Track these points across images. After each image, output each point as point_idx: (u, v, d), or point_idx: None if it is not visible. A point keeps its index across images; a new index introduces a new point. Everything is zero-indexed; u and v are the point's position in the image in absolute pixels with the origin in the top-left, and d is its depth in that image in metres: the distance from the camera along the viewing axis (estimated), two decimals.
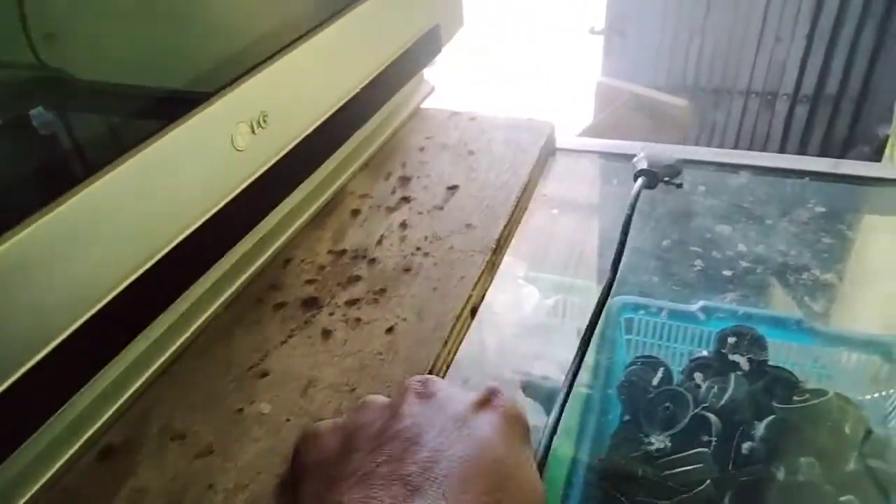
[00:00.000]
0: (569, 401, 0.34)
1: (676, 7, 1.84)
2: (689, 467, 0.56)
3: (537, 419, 0.58)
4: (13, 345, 0.28)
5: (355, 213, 0.52)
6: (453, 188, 0.53)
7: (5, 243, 0.27)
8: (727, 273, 0.55)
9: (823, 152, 1.86)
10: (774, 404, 0.59)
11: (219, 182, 0.38)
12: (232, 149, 0.39)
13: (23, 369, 0.29)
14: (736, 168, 0.59)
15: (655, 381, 0.66)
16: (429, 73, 0.68)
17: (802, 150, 1.92)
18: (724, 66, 1.87)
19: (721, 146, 2.02)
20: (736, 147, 2.00)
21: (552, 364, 0.66)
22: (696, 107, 1.93)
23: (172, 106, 0.37)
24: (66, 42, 0.34)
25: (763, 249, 0.55)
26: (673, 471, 0.56)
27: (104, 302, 0.32)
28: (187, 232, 0.36)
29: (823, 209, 0.56)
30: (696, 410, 0.62)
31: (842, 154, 1.83)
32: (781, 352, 0.65)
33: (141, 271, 0.34)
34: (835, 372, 0.64)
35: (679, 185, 0.53)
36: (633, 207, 0.50)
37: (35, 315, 0.29)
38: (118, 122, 0.37)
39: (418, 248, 0.47)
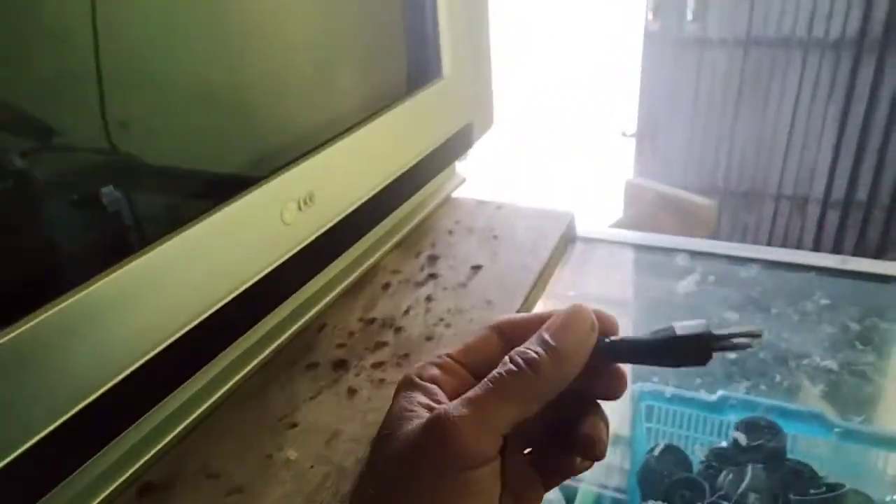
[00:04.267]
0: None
1: (705, 113, 1.93)
2: None
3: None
4: (67, 388, 0.32)
5: (386, 286, 0.56)
6: (477, 268, 0.58)
7: (74, 297, 0.31)
8: (731, 356, 0.58)
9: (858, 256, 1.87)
10: (791, 496, 0.60)
11: (268, 251, 0.43)
12: (281, 222, 0.44)
13: (74, 409, 0.32)
14: (745, 261, 0.62)
15: (673, 469, 0.66)
16: (461, 167, 0.74)
17: (836, 254, 1.93)
18: (754, 170, 1.93)
19: None
20: None
21: None
22: (727, 209, 1.97)
23: (231, 185, 0.43)
24: (138, 130, 0.38)
25: (767, 336, 0.57)
26: None
27: (156, 351, 0.36)
28: (236, 293, 0.41)
29: (828, 301, 0.59)
30: (712, 499, 0.62)
31: (876, 258, 1.83)
32: (801, 444, 0.65)
33: (191, 326, 0.38)
34: (856, 469, 0.64)
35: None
36: None
37: (94, 360, 0.33)
38: (181, 199, 0.42)
39: (441, 320, 0.51)
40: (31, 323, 0.30)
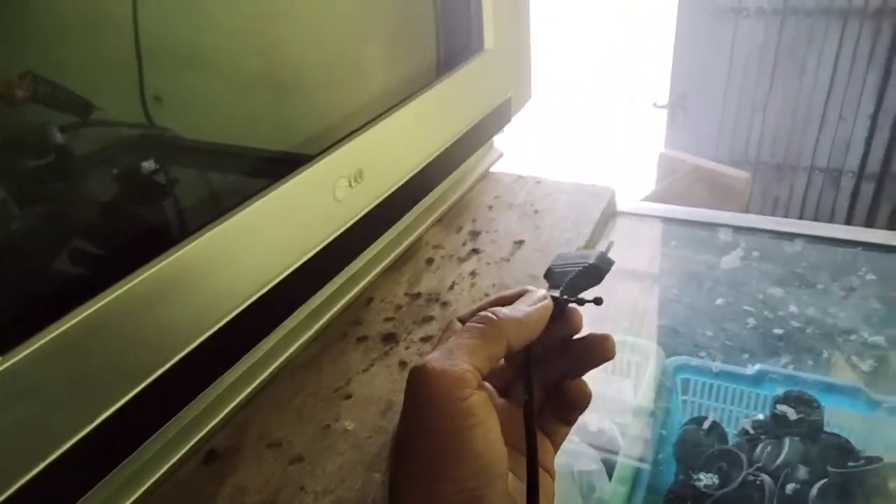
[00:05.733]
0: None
1: (739, 84, 1.89)
2: None
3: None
4: (139, 360, 0.33)
5: (429, 261, 0.57)
6: (519, 243, 0.59)
7: (145, 273, 0.33)
8: (778, 331, 0.58)
9: (891, 229, 1.84)
10: (828, 468, 0.60)
11: (323, 226, 0.44)
12: (333, 199, 0.45)
13: (147, 381, 0.34)
14: (789, 236, 0.62)
15: (710, 442, 0.67)
16: (498, 140, 0.74)
17: (869, 227, 1.90)
18: (787, 142, 1.89)
19: None
20: None
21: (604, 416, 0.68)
22: (759, 181, 1.94)
23: (286, 163, 0.44)
24: (172, 105, 0.38)
25: (813, 312, 0.57)
26: None
27: (219, 325, 0.38)
28: (292, 268, 0.42)
29: (874, 277, 0.59)
30: (749, 471, 0.63)
31: None
32: (836, 418, 0.66)
33: (250, 301, 0.40)
34: (895, 443, 0.64)
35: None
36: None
37: (161, 335, 0.34)
38: (238, 177, 0.43)
39: (486, 294, 0.52)
40: (110, 297, 0.31)
